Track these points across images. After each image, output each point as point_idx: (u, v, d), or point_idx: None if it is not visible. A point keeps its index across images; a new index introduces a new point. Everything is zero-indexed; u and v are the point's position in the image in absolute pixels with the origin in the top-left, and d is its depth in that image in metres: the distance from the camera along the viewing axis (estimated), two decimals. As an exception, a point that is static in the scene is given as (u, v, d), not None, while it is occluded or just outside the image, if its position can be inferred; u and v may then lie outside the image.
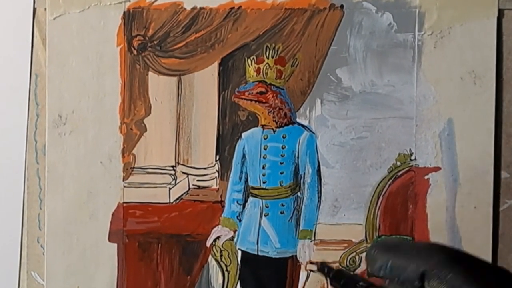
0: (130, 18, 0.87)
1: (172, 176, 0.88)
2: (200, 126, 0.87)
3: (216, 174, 0.88)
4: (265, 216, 0.88)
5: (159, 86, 0.87)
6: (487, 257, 0.86)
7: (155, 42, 0.87)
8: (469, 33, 0.85)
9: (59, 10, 0.87)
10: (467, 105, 0.86)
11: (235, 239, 0.88)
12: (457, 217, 0.86)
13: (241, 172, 0.88)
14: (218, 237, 0.87)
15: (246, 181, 0.88)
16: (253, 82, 0.87)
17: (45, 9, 0.87)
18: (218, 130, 0.87)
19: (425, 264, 0.50)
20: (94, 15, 0.86)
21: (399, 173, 0.86)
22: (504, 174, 0.86)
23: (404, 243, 0.55)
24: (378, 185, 0.86)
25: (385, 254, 0.52)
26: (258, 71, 0.87)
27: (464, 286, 0.48)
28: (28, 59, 0.87)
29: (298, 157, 0.87)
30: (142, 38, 0.87)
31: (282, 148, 0.87)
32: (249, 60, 0.87)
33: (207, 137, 0.87)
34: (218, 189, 0.88)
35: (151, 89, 0.87)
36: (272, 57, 0.87)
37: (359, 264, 0.87)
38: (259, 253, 0.88)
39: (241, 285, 0.88)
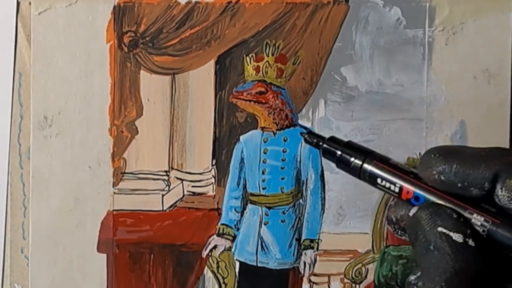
0: (121, 13, 0.85)
1: (166, 182, 0.86)
2: (195, 129, 0.86)
3: (213, 180, 0.86)
4: (264, 224, 0.86)
5: (152, 85, 0.86)
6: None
7: (147, 39, 0.85)
8: (483, 29, 0.83)
9: (45, 5, 0.85)
10: (481, 106, 0.84)
11: (232, 249, 0.86)
12: (469, 226, 0.84)
13: (239, 177, 0.86)
14: (214, 247, 0.86)
15: (245, 187, 0.86)
16: (252, 81, 0.85)
17: (30, 3, 0.85)
18: (215, 132, 0.86)
19: (499, 162, 0.47)
20: (82, 10, 0.84)
21: (408, 179, 0.84)
22: (520, 180, 0.84)
23: (467, 147, 0.52)
24: (386, 191, 0.85)
25: (448, 157, 0.49)
26: (257, 69, 0.85)
27: None
28: (11, 57, 0.85)
29: (300, 162, 0.85)
30: (133, 34, 0.85)
31: (283, 152, 0.85)
32: (247, 58, 0.85)
33: (203, 140, 0.86)
34: (215, 195, 0.86)
35: (143, 89, 0.86)
36: (272, 55, 0.85)
37: (366, 276, 0.85)
38: (258, 264, 0.86)
39: (239, 298, 0.86)
